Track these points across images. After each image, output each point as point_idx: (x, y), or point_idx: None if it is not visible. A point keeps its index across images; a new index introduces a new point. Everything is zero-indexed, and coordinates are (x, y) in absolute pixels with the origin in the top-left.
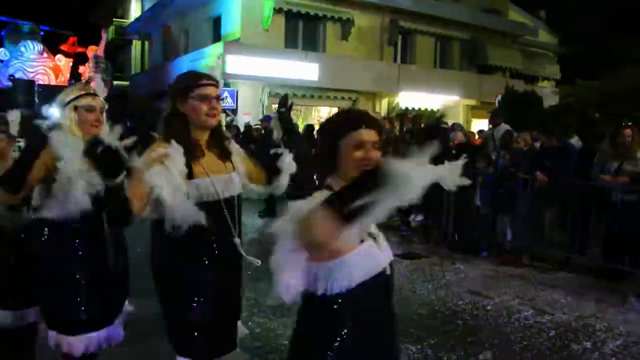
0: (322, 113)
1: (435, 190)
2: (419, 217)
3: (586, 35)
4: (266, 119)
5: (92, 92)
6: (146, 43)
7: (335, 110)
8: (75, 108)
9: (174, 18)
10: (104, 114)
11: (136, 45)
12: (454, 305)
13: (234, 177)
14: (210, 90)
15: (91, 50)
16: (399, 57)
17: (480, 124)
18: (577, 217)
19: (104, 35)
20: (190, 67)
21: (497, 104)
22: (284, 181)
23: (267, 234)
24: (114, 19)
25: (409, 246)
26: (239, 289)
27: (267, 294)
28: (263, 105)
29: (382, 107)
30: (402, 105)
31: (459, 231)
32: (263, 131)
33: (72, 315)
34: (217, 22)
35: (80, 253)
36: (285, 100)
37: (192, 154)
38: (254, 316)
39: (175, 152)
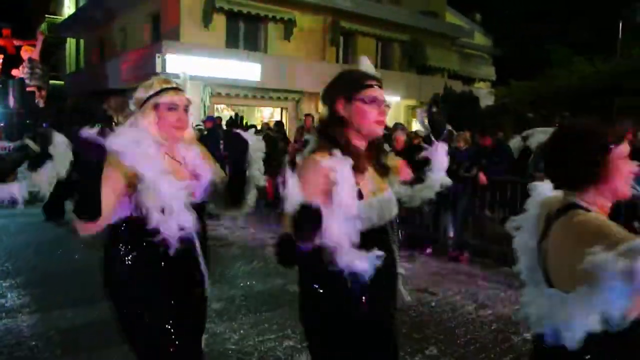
0: (264, 113)
1: None
2: None
3: (518, 38)
4: (209, 119)
5: (174, 86)
6: (81, 41)
7: (278, 110)
8: (156, 106)
9: (111, 15)
10: (188, 114)
11: (71, 43)
12: (400, 303)
13: (392, 196)
14: (379, 93)
15: (26, 52)
16: (341, 57)
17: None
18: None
19: (40, 37)
20: (129, 65)
21: None
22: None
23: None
24: (46, 16)
25: None
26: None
27: (211, 298)
28: (205, 105)
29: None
30: None
31: (404, 230)
32: (206, 132)
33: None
34: (156, 19)
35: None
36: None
37: (358, 168)
38: None
39: (344, 166)
